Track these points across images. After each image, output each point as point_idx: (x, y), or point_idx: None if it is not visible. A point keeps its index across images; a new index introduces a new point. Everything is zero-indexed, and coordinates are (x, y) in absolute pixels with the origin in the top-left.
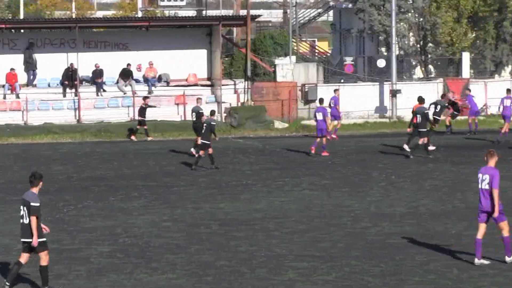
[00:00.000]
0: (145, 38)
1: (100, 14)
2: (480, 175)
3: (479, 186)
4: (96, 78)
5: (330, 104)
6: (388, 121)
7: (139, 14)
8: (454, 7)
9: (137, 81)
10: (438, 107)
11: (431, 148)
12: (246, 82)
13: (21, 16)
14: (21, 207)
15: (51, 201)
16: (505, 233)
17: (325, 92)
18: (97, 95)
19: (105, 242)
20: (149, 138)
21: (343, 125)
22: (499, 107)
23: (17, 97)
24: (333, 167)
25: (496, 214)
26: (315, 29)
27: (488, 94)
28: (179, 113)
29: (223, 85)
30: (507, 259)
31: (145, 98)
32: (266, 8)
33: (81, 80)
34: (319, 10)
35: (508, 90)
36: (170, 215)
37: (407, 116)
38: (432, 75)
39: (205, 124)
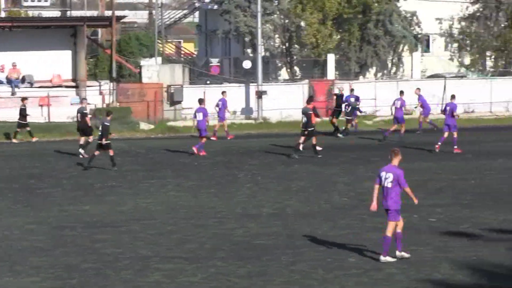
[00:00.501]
0: (8, 39)
1: None
2: (383, 173)
3: (383, 184)
4: None
5: (217, 106)
6: (254, 122)
7: (2, 14)
8: (319, 9)
9: (0, 82)
10: (349, 107)
11: (319, 148)
12: (111, 83)
13: None
14: None
15: None
16: (387, 232)
17: (191, 93)
18: None
19: None
20: (34, 139)
21: (210, 126)
22: (391, 108)
23: None
24: (199, 168)
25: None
26: (181, 30)
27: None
28: (43, 115)
29: (88, 86)
30: (398, 253)
31: (23, 99)
32: (131, 9)
33: None
34: (185, 11)
35: (401, 92)
36: (34, 218)
37: (273, 117)
38: (298, 77)
39: (101, 125)
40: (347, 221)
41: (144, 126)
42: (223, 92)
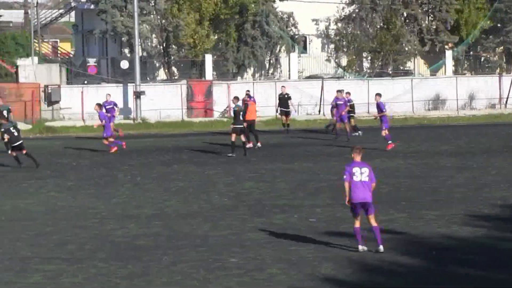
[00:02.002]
0: None
1: None
2: (357, 169)
3: (358, 179)
4: None
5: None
6: (132, 122)
7: None
8: (196, 9)
9: None
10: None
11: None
12: None
13: None
14: None
15: None
16: (374, 223)
17: (68, 93)
18: None
19: None
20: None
21: (85, 128)
22: (331, 109)
23: None
24: (78, 169)
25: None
26: (58, 30)
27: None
28: None
29: None
30: (381, 248)
31: None
32: (6, 8)
33: None
34: (61, 11)
35: (340, 91)
36: None
37: (152, 117)
38: (176, 77)
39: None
40: (227, 222)
41: (21, 126)
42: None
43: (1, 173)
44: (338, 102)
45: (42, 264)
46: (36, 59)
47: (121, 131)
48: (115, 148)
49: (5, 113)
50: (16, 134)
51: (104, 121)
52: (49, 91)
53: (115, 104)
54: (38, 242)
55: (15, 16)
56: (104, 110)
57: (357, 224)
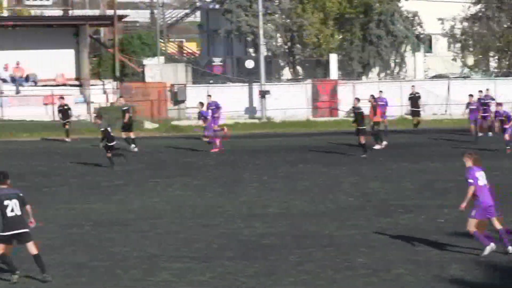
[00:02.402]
0: (11, 38)
1: None
2: (478, 173)
3: (483, 183)
4: None
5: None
6: (258, 121)
7: (5, 13)
8: (320, 8)
9: (4, 80)
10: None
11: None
12: (115, 82)
13: None
14: (6, 201)
15: None
16: (499, 225)
17: (194, 93)
18: None
19: None
20: (67, 139)
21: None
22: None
23: None
24: (204, 168)
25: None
26: (183, 30)
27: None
28: (48, 113)
29: (91, 85)
30: (509, 249)
31: (61, 98)
32: (133, 8)
33: None
34: (186, 11)
35: (471, 95)
36: (42, 216)
37: (277, 116)
38: (301, 76)
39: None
40: (353, 221)
41: (148, 125)
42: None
43: (128, 172)
44: (471, 107)
45: (169, 262)
46: (162, 58)
47: (226, 130)
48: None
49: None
50: (112, 134)
51: (205, 119)
52: (175, 90)
53: (217, 106)
54: (166, 240)
55: (141, 16)
56: (206, 109)
57: (497, 225)
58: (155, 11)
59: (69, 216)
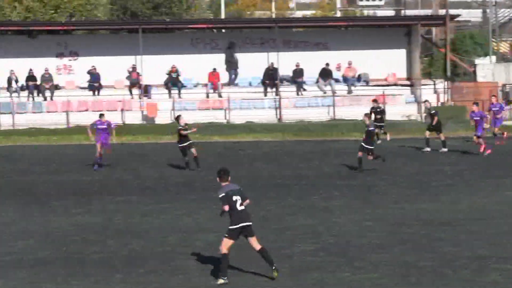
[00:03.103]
0: (344, 38)
1: (299, 14)
2: None
3: None
4: (297, 77)
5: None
6: None
7: (338, 14)
8: None
9: (336, 80)
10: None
11: None
12: (446, 82)
13: (222, 16)
14: (234, 197)
15: (255, 198)
16: None
17: None
18: (297, 94)
19: (308, 241)
20: (388, 137)
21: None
22: None
23: (220, 96)
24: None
25: None
26: None
27: None
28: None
29: (422, 85)
30: None
31: (374, 100)
32: (465, 8)
33: (282, 80)
34: None
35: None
36: (372, 215)
37: None
38: None
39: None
40: None
41: None
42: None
43: (458, 172)
44: None
45: (499, 263)
46: (494, 58)
47: (506, 135)
48: (488, 151)
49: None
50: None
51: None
52: (507, 90)
53: (501, 107)
54: (497, 241)
55: (473, 15)
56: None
57: None
58: (487, 10)
59: (398, 215)
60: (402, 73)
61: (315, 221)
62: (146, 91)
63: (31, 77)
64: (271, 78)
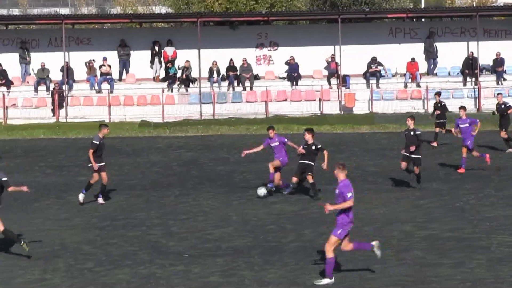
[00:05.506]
0: None
1: (500, 2)
2: None
3: None
4: (497, 67)
5: None
6: None
7: None
8: None
9: None
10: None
11: None
12: None
13: (422, 5)
14: None
15: (451, 189)
16: None
17: None
18: (497, 84)
19: (506, 232)
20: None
21: None
22: None
23: (418, 86)
24: None
25: None
26: None
27: None
28: None
29: None
30: None
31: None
32: None
33: (481, 69)
34: None
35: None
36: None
37: None
38: None
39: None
40: None
41: None
42: None
43: None
44: None
45: None
46: None
47: None
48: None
49: None
50: None
51: None
52: None
53: None
54: None
55: None
56: None
57: None
58: None
59: None
60: None
61: None
62: (344, 81)
63: (231, 67)
64: (470, 67)
